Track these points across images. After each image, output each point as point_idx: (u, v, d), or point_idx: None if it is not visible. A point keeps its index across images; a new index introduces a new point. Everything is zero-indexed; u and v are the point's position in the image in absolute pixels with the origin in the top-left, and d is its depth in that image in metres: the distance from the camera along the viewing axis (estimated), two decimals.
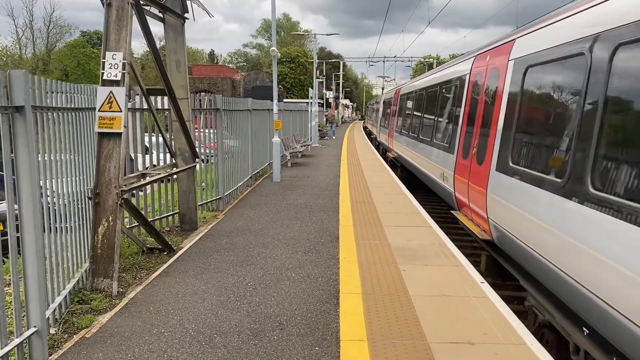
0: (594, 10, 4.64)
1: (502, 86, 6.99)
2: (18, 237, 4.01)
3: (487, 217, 6.92)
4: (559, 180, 4.77)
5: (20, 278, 4.13)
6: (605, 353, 4.11)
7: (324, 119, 42.97)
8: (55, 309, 4.93)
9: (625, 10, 4.04)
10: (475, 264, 6.86)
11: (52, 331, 4.75)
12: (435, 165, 10.75)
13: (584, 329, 4.42)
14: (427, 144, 12.13)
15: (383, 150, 24.76)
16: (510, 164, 6.15)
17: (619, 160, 3.91)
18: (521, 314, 5.64)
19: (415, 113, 15.26)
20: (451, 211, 9.43)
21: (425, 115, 13.33)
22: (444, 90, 11.28)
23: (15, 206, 3.98)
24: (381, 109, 28.77)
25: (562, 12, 5.50)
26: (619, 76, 4.08)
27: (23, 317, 4.16)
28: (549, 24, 5.76)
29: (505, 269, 6.71)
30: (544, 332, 5.42)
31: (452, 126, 9.69)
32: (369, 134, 41.43)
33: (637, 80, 3.81)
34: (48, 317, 4.62)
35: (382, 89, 63.27)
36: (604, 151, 4.15)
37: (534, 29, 6.28)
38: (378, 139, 29.02)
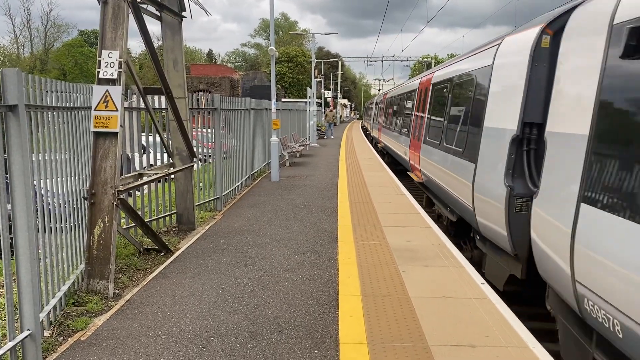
0: (452, 66, 10.14)
1: (428, 97, 12.44)
2: (11, 238, 3.94)
3: (420, 169, 12.13)
4: (437, 142, 10.01)
5: (13, 280, 4.06)
6: (452, 214, 8.90)
7: (323, 118, 42.92)
8: (50, 311, 4.85)
9: (461, 67, 9.04)
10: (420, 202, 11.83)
11: (46, 334, 4.67)
12: (401, 145, 16.53)
13: (448, 209, 9.22)
14: (398, 133, 18.12)
15: (375, 143, 30.27)
16: (427, 138, 11.42)
17: (452, 131, 8.85)
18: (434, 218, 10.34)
19: (393, 112, 21.47)
20: (407, 172, 15.03)
21: (397, 113, 19.62)
22: (406, 97, 17.35)
23: (8, 206, 3.90)
24: (373, 109, 35.95)
25: (445, 64, 11.22)
26: (455, 96, 9.19)
27: (16, 320, 4.09)
28: (443, 67, 11.47)
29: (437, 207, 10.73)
30: (442, 220, 10.03)
31: (410, 120, 15.40)
32: (366, 131, 44.04)
33: (462, 97, 8.57)
34: (42, 319, 4.54)
35: (379, 90, 65.18)
36: (449, 127, 9.18)
37: (439, 68, 12.12)
38: (372, 134, 35.26)
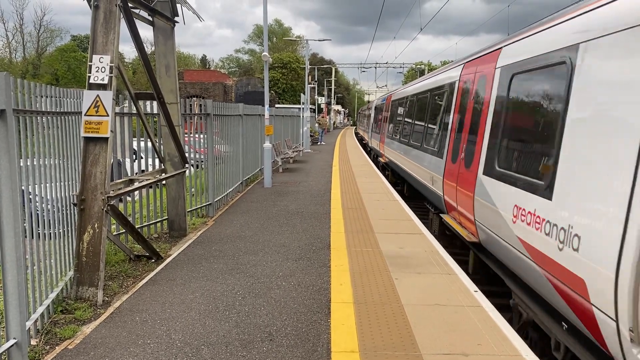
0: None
1: (370, 111, 32.18)
2: None
3: (366, 138, 33.18)
4: (368, 128, 32.65)
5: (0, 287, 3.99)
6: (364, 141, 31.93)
7: (316, 125, 43.01)
8: (37, 319, 4.77)
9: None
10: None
11: (33, 342, 4.60)
12: (363, 131, 40.91)
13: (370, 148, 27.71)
14: (364, 126, 39.91)
15: (358, 137, 45.69)
16: (369, 128, 30.62)
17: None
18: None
19: (364, 117, 42.14)
20: (368, 148, 29.23)
21: (367, 118, 36.63)
22: (366, 109, 39.56)
23: None
24: (362, 114, 50.68)
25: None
26: (364, 113, 38.28)
27: (2, 328, 4.01)
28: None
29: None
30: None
31: (370, 120, 30.74)
32: (359, 137, 48.63)
33: (366, 115, 32.38)
34: (29, 328, 4.47)
35: (368, 102, 68.51)
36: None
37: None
38: (357, 130, 52.35)
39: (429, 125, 11.05)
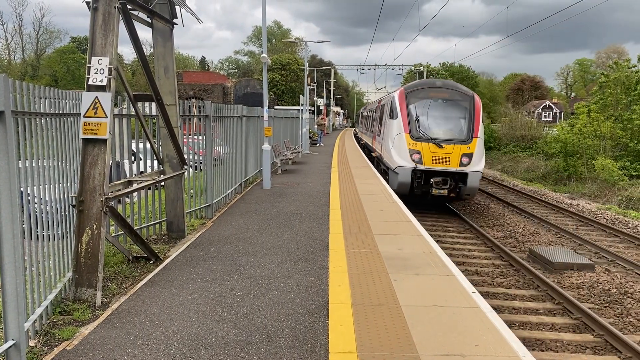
0: (370, 104, 38.29)
1: (364, 113, 40.57)
2: None
3: (360, 138, 41.22)
4: (365, 129, 35.76)
5: None
6: (370, 153, 26.76)
7: (315, 126, 43.14)
8: (36, 320, 4.78)
9: (369, 105, 37.51)
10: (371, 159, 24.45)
11: (31, 344, 4.60)
12: (359, 129, 49.72)
13: (363, 145, 34.03)
14: (360, 126, 47.70)
15: (356, 134, 53.94)
16: (361, 127, 44.11)
17: (365, 126, 35.07)
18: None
19: (359, 117, 54.06)
20: (361, 142, 38.19)
21: (361, 118, 47.46)
22: (365, 112, 39.92)
23: None
24: (358, 115, 64.40)
25: (372, 102, 37.18)
26: (369, 114, 31.19)
27: (0, 329, 4.02)
28: (370, 103, 44.04)
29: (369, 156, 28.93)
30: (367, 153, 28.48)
31: (363, 120, 41.87)
32: (357, 136, 52.28)
33: (368, 115, 31.82)
34: (27, 329, 4.47)
35: (366, 105, 71.82)
36: (371, 126, 27.46)
37: (369, 104, 44.92)
38: (356, 129, 61.65)
39: (372, 121, 25.10)
